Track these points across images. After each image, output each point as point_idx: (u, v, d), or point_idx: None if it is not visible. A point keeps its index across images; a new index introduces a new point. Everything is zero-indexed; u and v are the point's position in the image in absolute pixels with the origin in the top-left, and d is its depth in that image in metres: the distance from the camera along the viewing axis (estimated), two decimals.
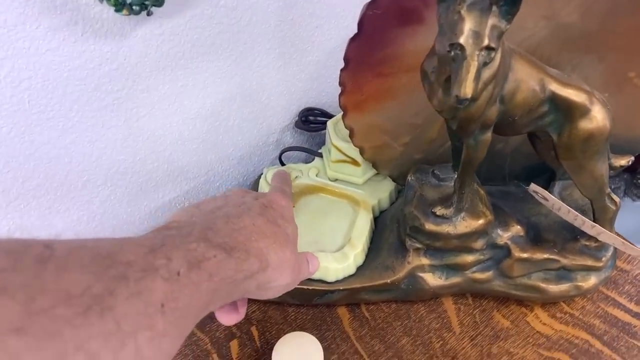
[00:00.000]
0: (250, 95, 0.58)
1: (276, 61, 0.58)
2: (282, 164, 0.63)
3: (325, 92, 0.66)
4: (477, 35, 0.31)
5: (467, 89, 0.31)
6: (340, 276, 0.51)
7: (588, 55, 0.45)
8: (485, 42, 0.31)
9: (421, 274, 0.51)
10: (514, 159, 0.54)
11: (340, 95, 0.46)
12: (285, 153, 0.65)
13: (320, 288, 0.51)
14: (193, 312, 0.27)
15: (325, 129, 0.65)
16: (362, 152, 0.52)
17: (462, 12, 0.31)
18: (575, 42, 0.44)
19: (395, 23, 0.40)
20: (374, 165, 0.53)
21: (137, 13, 0.41)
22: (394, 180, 0.55)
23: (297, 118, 0.65)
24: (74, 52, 0.43)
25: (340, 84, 0.45)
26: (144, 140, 0.53)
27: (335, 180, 0.57)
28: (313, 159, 0.60)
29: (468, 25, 0.31)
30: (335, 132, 0.54)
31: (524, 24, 0.43)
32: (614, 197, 0.48)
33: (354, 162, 0.54)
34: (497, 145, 0.53)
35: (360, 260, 0.52)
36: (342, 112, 0.48)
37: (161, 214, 0.60)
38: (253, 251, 0.32)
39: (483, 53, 0.31)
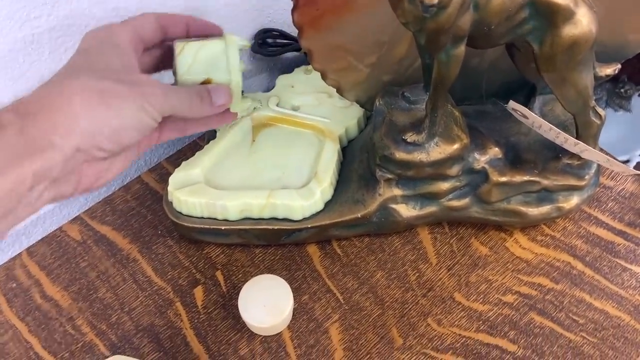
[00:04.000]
0: (198, 10, 0.52)
1: None
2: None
3: (283, 9, 0.59)
4: None
5: None
6: (307, 213, 0.47)
7: None
8: None
9: (394, 206, 0.47)
10: (491, 75, 0.50)
11: (292, 11, 0.40)
12: (245, 81, 0.59)
13: (286, 227, 0.47)
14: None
15: (286, 52, 0.59)
16: (323, 77, 0.46)
17: None
18: None
19: None
20: (339, 90, 0.48)
21: None
22: (361, 106, 0.50)
23: (253, 41, 0.59)
24: None
25: None
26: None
27: (297, 109, 0.52)
28: (273, 87, 0.55)
29: None
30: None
31: None
32: (599, 110, 0.44)
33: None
34: (472, 61, 0.48)
35: (328, 195, 0.48)
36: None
37: None
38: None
39: None
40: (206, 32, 0.42)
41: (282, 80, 0.55)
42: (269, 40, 0.60)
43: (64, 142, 0.31)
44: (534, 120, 0.44)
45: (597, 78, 0.44)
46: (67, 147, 0.31)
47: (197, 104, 0.38)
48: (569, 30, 0.37)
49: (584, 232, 0.50)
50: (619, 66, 0.45)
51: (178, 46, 0.40)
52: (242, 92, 0.43)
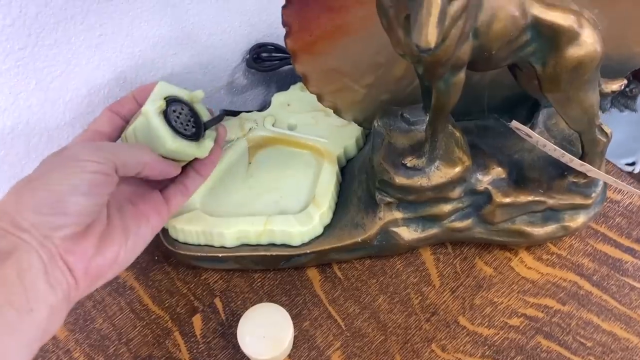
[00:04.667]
0: (187, 36, 0.50)
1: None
2: (233, 113, 0.56)
3: (277, 23, 0.57)
4: None
5: (430, 36, 0.24)
6: (306, 239, 0.46)
7: None
8: None
9: (395, 229, 0.46)
10: (493, 90, 0.48)
11: (285, 37, 0.38)
12: (240, 96, 0.58)
13: (284, 253, 0.46)
14: None
15: (282, 66, 0.57)
16: (319, 99, 0.45)
17: None
18: None
19: None
20: (336, 111, 0.47)
21: None
22: (359, 125, 0.49)
23: (248, 56, 0.57)
24: None
25: (284, 24, 0.37)
26: (65, 103, 0.45)
27: (294, 129, 0.50)
28: (268, 106, 0.53)
29: None
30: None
31: None
32: (605, 128, 0.43)
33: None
34: (473, 77, 0.46)
35: (327, 219, 0.47)
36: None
37: None
38: None
39: None
40: (147, 92, 0.40)
41: (278, 98, 0.53)
42: (264, 55, 0.58)
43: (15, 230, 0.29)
44: (538, 140, 0.42)
45: (602, 95, 0.42)
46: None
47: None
48: (574, 52, 0.36)
49: (590, 250, 0.48)
50: (625, 81, 0.43)
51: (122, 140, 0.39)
52: (203, 131, 0.39)
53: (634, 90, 0.92)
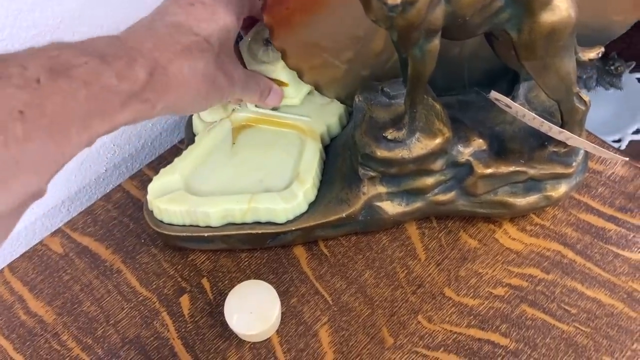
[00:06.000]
0: None
1: None
2: None
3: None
4: None
5: None
6: (291, 216, 0.46)
7: None
8: None
9: (379, 204, 0.46)
10: (473, 63, 0.48)
11: (261, 11, 0.39)
12: None
13: (270, 231, 0.46)
14: (71, 118, 0.27)
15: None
16: (300, 75, 0.45)
17: None
18: None
19: None
20: (317, 88, 0.47)
21: None
22: (342, 102, 0.49)
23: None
24: None
25: None
26: None
27: (276, 109, 0.51)
28: None
29: None
30: (249, 54, 0.47)
31: None
32: (584, 96, 0.43)
33: (280, 83, 0.47)
34: (452, 51, 0.46)
35: (311, 196, 0.47)
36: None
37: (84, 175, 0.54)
38: (141, 59, 0.31)
39: None
40: None
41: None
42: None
43: None
44: (517, 109, 0.43)
45: (580, 63, 0.42)
46: None
47: (254, 96, 0.43)
48: (547, 17, 0.36)
49: (574, 220, 0.49)
50: (603, 49, 0.43)
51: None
52: None
53: (619, 68, 0.92)
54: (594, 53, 0.43)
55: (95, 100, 0.28)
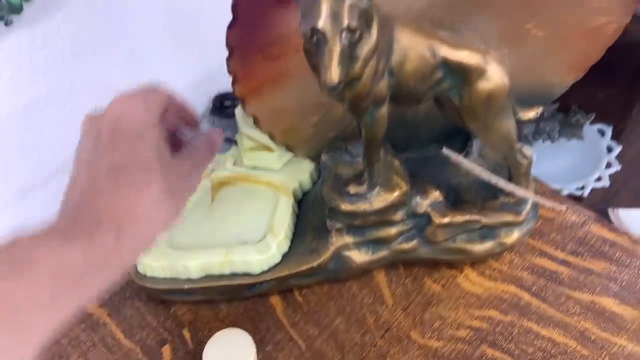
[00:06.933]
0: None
1: (174, 52, 0.55)
2: None
3: None
4: (336, 17, 0.29)
5: (333, 75, 0.29)
6: (266, 267, 0.50)
7: (480, 12, 0.43)
8: (345, 22, 0.29)
9: (347, 253, 0.50)
10: (429, 123, 0.53)
11: (233, 84, 0.44)
12: None
13: (246, 282, 0.50)
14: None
15: None
16: (272, 138, 0.50)
17: None
18: (461, 3, 0.42)
19: (274, 3, 0.38)
20: (288, 148, 0.52)
21: None
22: (311, 161, 0.54)
23: (211, 105, 0.63)
24: None
25: (230, 72, 0.43)
26: (37, 146, 0.50)
27: (254, 167, 0.55)
28: (230, 147, 0.58)
29: (326, 7, 0.29)
30: (244, 119, 0.52)
31: None
32: (525, 151, 0.48)
33: (268, 149, 0.53)
34: (408, 113, 0.51)
35: (284, 247, 0.51)
36: None
37: None
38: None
39: (345, 35, 0.29)
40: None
41: (240, 138, 0.58)
42: (227, 103, 0.64)
43: None
44: (467, 164, 0.47)
45: (521, 122, 0.47)
46: None
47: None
48: (484, 85, 0.41)
49: (529, 264, 0.52)
50: (541, 109, 0.48)
51: None
52: None
53: (580, 120, 0.99)
54: (533, 113, 0.48)
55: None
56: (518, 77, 0.45)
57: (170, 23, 0.52)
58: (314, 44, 0.30)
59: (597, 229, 0.54)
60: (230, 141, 0.59)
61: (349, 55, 0.32)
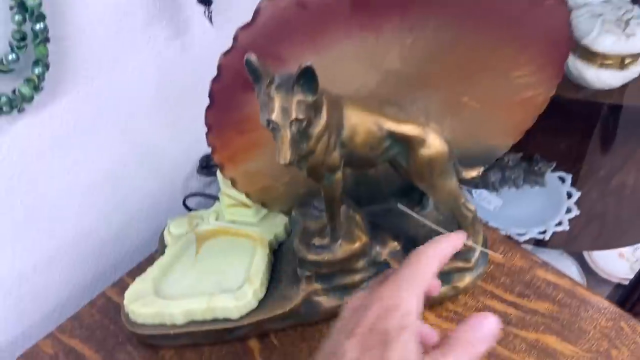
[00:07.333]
0: (145, 154, 0.63)
1: (164, 119, 0.62)
2: (189, 209, 0.67)
3: None
4: (285, 111, 0.36)
5: (285, 155, 0.37)
6: (244, 312, 0.55)
7: (421, 89, 0.51)
8: (293, 115, 0.36)
9: (316, 298, 0.56)
10: (388, 180, 0.60)
11: (212, 154, 0.51)
12: (193, 198, 0.69)
13: (226, 326, 0.55)
14: None
15: None
16: (248, 196, 0.56)
17: (272, 93, 0.36)
18: (406, 82, 0.50)
19: (242, 89, 0.46)
20: (264, 205, 0.58)
21: (9, 112, 0.45)
22: (285, 215, 0.60)
23: (198, 165, 0.70)
24: None
25: (209, 145, 0.50)
26: (43, 215, 0.56)
27: (234, 222, 0.62)
28: (213, 203, 0.65)
29: (277, 104, 0.36)
30: (224, 180, 0.59)
31: (356, 75, 0.48)
32: (469, 205, 0.54)
33: (246, 205, 0.59)
34: (368, 173, 0.58)
35: (260, 294, 0.56)
36: None
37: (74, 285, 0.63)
38: None
39: (294, 124, 0.37)
40: None
41: (222, 196, 0.65)
42: (212, 162, 0.71)
43: None
44: (418, 218, 0.54)
45: (464, 180, 0.54)
46: None
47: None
48: (425, 152, 0.48)
49: (481, 306, 0.58)
50: (482, 168, 0.55)
51: None
52: None
53: (541, 168, 1.06)
54: (475, 172, 0.55)
55: None
56: (461, 142, 0.52)
57: (161, 97, 0.60)
58: (270, 131, 0.37)
59: (541, 273, 0.60)
60: (214, 198, 0.66)
61: (303, 135, 0.39)
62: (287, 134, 0.36)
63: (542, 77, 0.52)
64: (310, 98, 0.37)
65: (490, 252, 0.53)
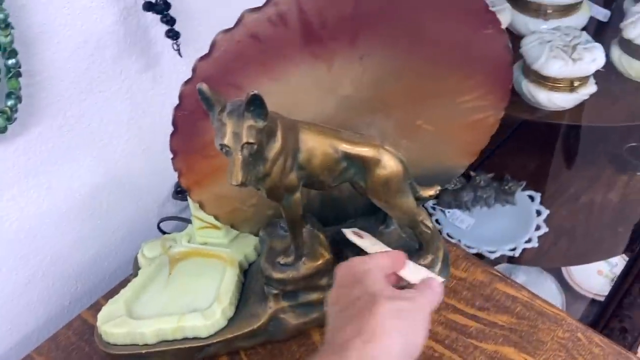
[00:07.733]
0: (120, 180, 0.65)
1: (138, 147, 0.65)
2: (163, 232, 0.70)
3: None
4: (237, 136, 0.39)
5: (237, 177, 0.39)
6: (212, 331, 0.57)
7: (375, 114, 0.54)
8: (244, 139, 0.39)
9: (283, 316, 0.58)
10: (352, 200, 0.63)
11: (178, 178, 0.53)
12: (168, 223, 0.72)
13: (196, 345, 0.57)
14: None
15: None
16: (217, 219, 0.59)
17: (224, 119, 0.39)
18: (360, 107, 0.53)
19: (203, 116, 0.48)
20: (233, 226, 0.61)
21: None
22: (255, 236, 0.63)
23: (173, 190, 0.72)
24: None
25: (175, 169, 0.52)
26: (20, 240, 0.58)
27: (205, 243, 0.64)
28: (187, 226, 0.67)
29: (229, 129, 0.39)
30: (194, 203, 0.62)
31: (315, 101, 0.52)
32: (428, 223, 0.57)
33: (216, 227, 0.62)
34: (333, 193, 0.61)
35: (229, 312, 0.58)
36: None
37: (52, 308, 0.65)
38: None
39: (245, 147, 0.40)
40: None
41: (192, 220, 0.67)
42: None
43: None
44: (368, 241, 0.56)
45: (422, 199, 0.57)
46: None
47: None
48: (381, 172, 0.51)
49: (443, 319, 0.61)
50: (439, 188, 0.58)
51: None
52: None
53: (512, 187, 1.09)
54: (432, 191, 0.57)
55: None
56: (418, 162, 0.55)
57: (134, 126, 0.63)
58: (224, 154, 0.40)
59: (501, 287, 0.63)
60: (188, 221, 0.68)
61: (258, 158, 0.42)
62: (238, 157, 0.39)
63: (490, 100, 0.56)
64: (260, 123, 0.40)
65: (431, 273, 0.55)
